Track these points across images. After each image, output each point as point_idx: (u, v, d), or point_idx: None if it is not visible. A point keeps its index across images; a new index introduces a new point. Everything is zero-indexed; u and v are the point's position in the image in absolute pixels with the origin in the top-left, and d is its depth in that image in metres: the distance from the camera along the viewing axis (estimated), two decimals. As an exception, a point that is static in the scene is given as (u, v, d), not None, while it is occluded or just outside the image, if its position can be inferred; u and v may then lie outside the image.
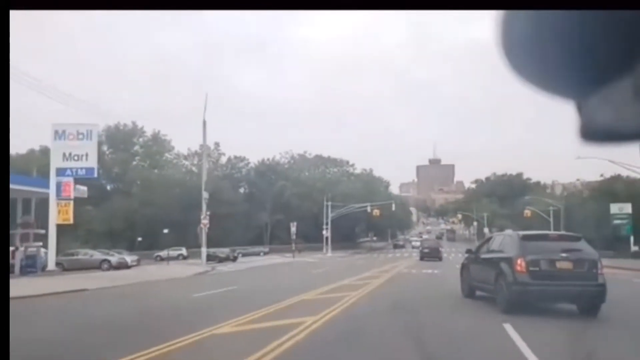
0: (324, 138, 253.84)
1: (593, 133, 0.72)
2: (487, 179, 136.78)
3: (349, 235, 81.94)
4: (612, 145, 0.72)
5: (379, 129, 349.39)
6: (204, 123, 35.59)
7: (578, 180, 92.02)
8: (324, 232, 61.46)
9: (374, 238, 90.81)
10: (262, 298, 13.57)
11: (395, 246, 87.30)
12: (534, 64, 0.66)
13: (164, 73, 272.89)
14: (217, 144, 75.79)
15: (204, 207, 34.94)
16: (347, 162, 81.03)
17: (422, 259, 43.04)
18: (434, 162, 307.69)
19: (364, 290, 15.50)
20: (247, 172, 78.57)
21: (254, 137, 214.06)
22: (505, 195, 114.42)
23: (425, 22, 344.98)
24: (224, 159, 77.38)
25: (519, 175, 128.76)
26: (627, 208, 55.16)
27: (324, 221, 66.79)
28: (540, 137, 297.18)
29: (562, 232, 15.01)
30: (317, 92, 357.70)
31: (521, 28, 0.65)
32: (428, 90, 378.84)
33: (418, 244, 69.61)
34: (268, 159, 78.75)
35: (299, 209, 72.04)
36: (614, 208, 55.73)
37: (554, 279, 10.19)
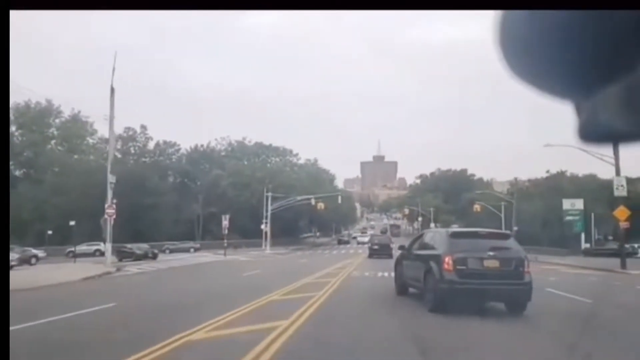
0: (267, 130, 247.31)
1: (591, 134, 0.71)
2: (432, 174, 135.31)
3: (291, 230, 76.28)
4: (610, 146, 0.71)
5: (324, 124, 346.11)
6: (112, 90, 28.89)
7: (515, 178, 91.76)
8: (263, 226, 55.50)
9: (317, 234, 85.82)
10: (113, 337, 7.79)
11: (340, 242, 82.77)
12: (533, 65, 0.66)
13: (93, 57, 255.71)
14: (143, 127, 68.05)
15: (110, 193, 28.27)
16: (291, 152, 75.14)
17: (370, 256, 38.24)
18: (378, 158, 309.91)
19: (299, 317, 9.71)
20: (177, 159, 71.16)
21: (189, 123, 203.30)
22: (450, 191, 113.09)
23: (374, 21, 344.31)
24: (151, 144, 69.64)
25: (464, 171, 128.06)
26: (579, 204, 52.80)
27: (264, 214, 61.05)
28: (484, 135, 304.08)
29: (492, 230, 13.69)
30: (262, 84, 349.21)
31: (519, 28, 0.64)
32: (374, 88, 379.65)
33: (365, 239, 65.11)
34: (202, 145, 71.71)
35: (236, 201, 65.72)
36: (566, 204, 53.19)
37: (481, 277, 10.10)
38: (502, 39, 0.66)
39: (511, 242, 11.00)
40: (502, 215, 59.48)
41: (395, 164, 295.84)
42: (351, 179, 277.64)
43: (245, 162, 71.36)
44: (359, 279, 18.79)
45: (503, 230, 13.10)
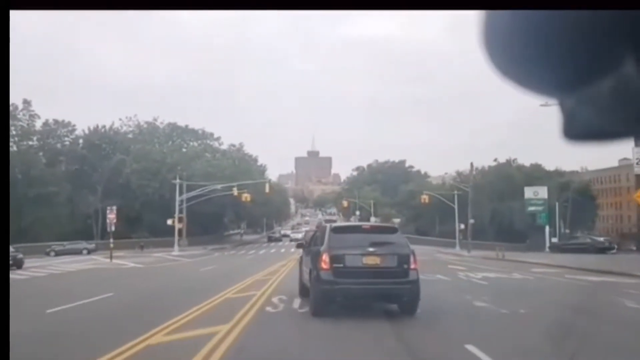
0: (190, 118, 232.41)
1: (575, 132, 0.72)
2: (369, 165, 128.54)
3: (214, 226, 65.52)
4: (594, 144, 0.72)
5: (258, 119, 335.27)
6: None
7: (471, 163, 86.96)
8: (170, 221, 44.72)
9: (242, 231, 75.58)
10: None
11: (270, 239, 72.98)
12: (517, 64, 0.66)
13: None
14: (27, 103, 54.71)
15: None
16: (212, 135, 63.95)
17: (305, 259, 28.92)
18: (312, 154, 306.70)
19: None
20: (72, 142, 58.39)
21: (88, 100, 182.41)
22: (388, 183, 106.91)
23: (305, 18, 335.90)
24: (38, 124, 56.47)
25: (402, 162, 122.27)
26: (543, 192, 46.36)
27: (176, 207, 50.30)
28: (418, 130, 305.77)
29: (377, 223, 13.17)
30: (187, 76, 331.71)
31: (504, 28, 0.65)
32: (307, 83, 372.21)
33: (299, 236, 55.95)
34: (103, 126, 59.21)
35: (142, 192, 54.26)
36: (528, 192, 46.61)
37: (360, 276, 9.26)
38: (486, 38, 0.66)
39: (397, 237, 10.13)
40: (456, 207, 52.12)
41: (329, 159, 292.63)
42: (285, 175, 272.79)
43: (158, 146, 59.64)
44: (279, 331, 8.93)
45: (389, 224, 12.15)
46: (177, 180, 44.77)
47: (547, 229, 47.26)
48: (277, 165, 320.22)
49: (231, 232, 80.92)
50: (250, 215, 73.92)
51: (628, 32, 0.57)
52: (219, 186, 49.26)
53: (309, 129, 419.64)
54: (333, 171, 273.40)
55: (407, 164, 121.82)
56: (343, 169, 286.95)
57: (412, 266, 9.43)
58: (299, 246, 13.40)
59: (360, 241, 9.52)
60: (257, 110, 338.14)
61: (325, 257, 9.22)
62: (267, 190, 45.15)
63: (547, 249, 45.94)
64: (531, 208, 45.84)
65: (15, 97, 56.24)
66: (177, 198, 43.91)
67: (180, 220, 53.36)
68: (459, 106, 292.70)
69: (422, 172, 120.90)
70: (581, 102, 0.67)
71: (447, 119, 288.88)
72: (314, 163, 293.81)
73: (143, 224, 55.99)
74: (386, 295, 9.69)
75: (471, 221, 46.35)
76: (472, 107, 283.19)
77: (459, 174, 73.34)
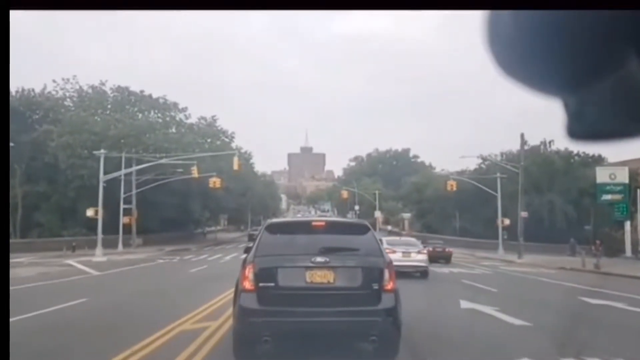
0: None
1: (579, 131, 0.72)
2: (369, 155, 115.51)
3: (182, 221, 52.09)
4: (598, 143, 0.73)
5: (251, 115, 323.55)
6: None
7: (443, 169, 74.87)
8: (90, 211, 31.30)
9: (206, 228, 62.47)
10: None
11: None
12: (521, 63, 0.67)
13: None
14: None
15: None
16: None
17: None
18: (306, 150, 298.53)
19: None
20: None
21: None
22: (391, 174, 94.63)
23: (302, 16, 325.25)
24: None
25: (406, 151, 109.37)
26: (623, 175, 33.24)
27: (121, 194, 37.12)
28: (413, 128, 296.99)
29: (338, 219, 8.44)
30: (179, 74, 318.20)
31: (508, 27, 0.65)
32: (301, 79, 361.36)
33: None
34: (32, 90, 45.43)
35: (75, 174, 40.73)
36: (602, 175, 33.37)
37: (301, 303, 5.63)
38: (490, 38, 0.67)
39: (366, 240, 6.13)
40: (499, 195, 38.95)
41: (323, 155, 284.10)
42: (278, 172, 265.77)
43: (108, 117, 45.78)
44: None
45: (357, 220, 7.91)
46: (102, 151, 31.15)
47: (627, 225, 34.12)
48: (270, 162, 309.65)
49: (207, 229, 67.72)
50: (227, 208, 60.49)
51: (631, 32, 0.57)
52: (163, 160, 35.83)
53: (303, 125, 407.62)
54: (327, 167, 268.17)
55: (411, 154, 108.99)
56: (337, 166, 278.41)
57: (388, 286, 5.76)
58: (247, 251, 6.70)
59: (306, 246, 5.90)
60: (249, 106, 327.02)
61: (248, 271, 5.70)
62: (235, 166, 31.80)
63: (629, 254, 32.91)
64: (606, 197, 32.66)
65: None
66: (102, 177, 30.26)
67: (128, 212, 40.14)
68: (458, 104, 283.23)
69: (427, 163, 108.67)
70: (585, 102, 0.66)
71: (446, 116, 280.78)
72: (307, 159, 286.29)
73: (79, 218, 42.44)
74: (343, 333, 5.79)
75: (524, 214, 33.23)
76: (472, 105, 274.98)
77: (483, 158, 59.99)
